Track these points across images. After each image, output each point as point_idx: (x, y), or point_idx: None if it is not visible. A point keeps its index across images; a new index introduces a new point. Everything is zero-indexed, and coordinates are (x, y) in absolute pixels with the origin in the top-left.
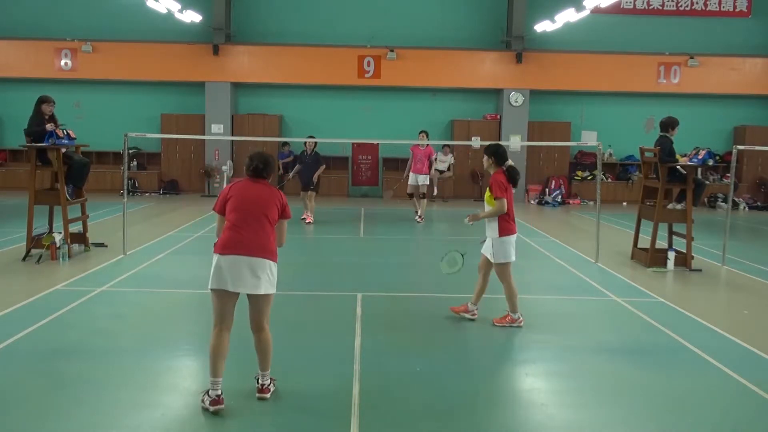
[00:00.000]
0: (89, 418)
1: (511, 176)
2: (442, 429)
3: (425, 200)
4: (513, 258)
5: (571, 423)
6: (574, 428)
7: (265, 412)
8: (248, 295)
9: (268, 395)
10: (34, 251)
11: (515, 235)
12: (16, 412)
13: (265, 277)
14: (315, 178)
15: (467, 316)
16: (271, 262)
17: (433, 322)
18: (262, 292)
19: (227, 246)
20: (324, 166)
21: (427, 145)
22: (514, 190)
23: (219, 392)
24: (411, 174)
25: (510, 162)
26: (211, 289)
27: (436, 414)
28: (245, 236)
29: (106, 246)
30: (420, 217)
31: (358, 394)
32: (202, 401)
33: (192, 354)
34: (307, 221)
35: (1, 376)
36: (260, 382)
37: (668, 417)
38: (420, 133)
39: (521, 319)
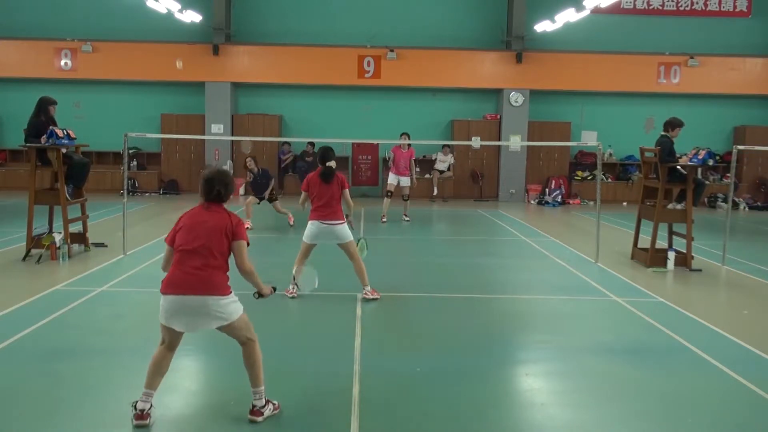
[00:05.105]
0: (89, 418)
1: (322, 174)
2: (442, 429)
3: (408, 202)
4: (305, 239)
5: (570, 423)
6: (574, 428)
7: None
8: None
9: (259, 419)
10: (34, 251)
11: (313, 222)
12: (17, 412)
13: (213, 315)
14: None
15: (371, 296)
16: (217, 297)
17: (433, 322)
18: (214, 326)
19: (170, 285)
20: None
21: (409, 146)
22: (345, 185)
23: (147, 406)
24: (392, 174)
25: (328, 163)
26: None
27: (436, 414)
28: (188, 273)
29: (106, 246)
30: (405, 215)
31: (358, 394)
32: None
33: (192, 354)
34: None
35: (1, 376)
36: (252, 401)
37: (668, 417)
38: (402, 134)
39: (294, 290)
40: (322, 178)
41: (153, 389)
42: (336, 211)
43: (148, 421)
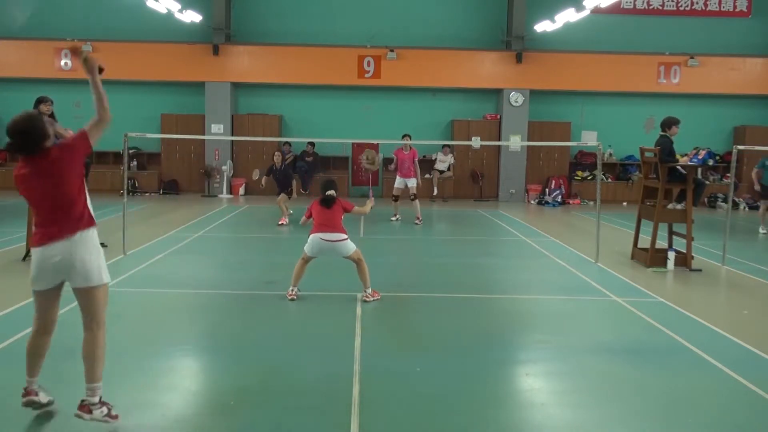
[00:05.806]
0: None
1: (322, 201)
2: (442, 429)
3: (417, 201)
4: (306, 250)
5: (570, 423)
6: (574, 428)
7: (264, 412)
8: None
9: (86, 417)
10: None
11: (313, 237)
12: (16, 413)
13: (78, 266)
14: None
15: (371, 298)
16: (78, 233)
17: (433, 322)
18: (76, 283)
19: (34, 238)
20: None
21: (411, 148)
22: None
23: (35, 387)
24: (398, 178)
25: (327, 193)
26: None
27: (436, 414)
28: (45, 226)
29: (106, 246)
30: (418, 218)
31: (358, 394)
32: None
33: (192, 354)
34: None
35: (1, 376)
36: (84, 396)
37: (668, 417)
38: (403, 136)
39: (294, 292)
40: (323, 204)
41: (34, 376)
42: (336, 226)
43: (35, 398)
